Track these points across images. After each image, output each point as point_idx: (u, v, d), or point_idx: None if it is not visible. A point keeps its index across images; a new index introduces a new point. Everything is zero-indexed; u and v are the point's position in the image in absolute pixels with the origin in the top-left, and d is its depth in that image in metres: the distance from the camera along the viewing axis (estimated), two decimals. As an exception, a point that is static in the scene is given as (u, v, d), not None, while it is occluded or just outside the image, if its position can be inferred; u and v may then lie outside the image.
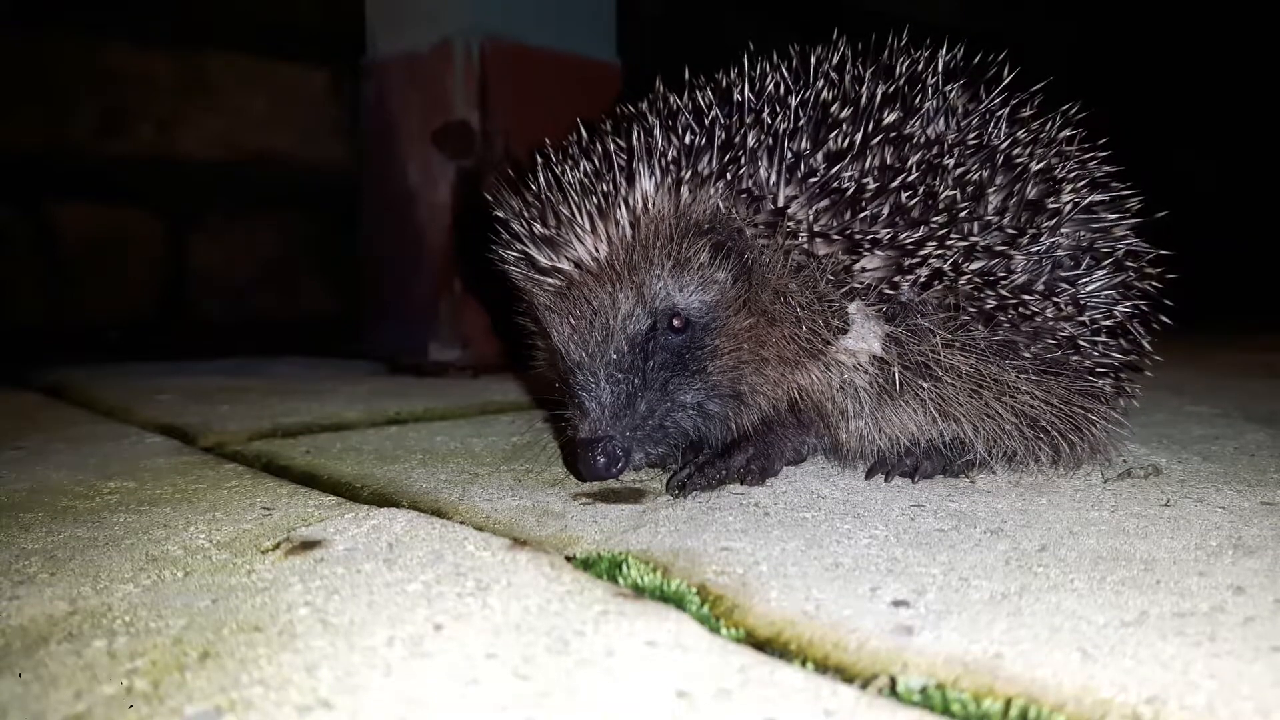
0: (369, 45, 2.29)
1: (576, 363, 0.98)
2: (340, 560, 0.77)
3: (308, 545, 0.80)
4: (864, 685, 0.58)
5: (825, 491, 1.02)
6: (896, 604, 0.69)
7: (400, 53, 2.18)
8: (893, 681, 0.58)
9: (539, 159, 1.04)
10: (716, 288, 0.97)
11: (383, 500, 1.00)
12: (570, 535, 0.86)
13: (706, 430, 1.04)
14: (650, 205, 0.96)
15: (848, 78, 1.02)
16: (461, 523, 0.89)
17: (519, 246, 1.01)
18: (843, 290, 0.96)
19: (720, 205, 0.95)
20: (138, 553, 0.81)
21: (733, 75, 1.07)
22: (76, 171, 2.26)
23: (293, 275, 2.58)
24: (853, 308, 0.97)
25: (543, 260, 0.99)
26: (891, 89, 1.01)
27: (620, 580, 0.74)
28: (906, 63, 1.06)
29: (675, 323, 0.97)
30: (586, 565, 0.78)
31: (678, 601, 0.70)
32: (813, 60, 1.06)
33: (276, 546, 0.81)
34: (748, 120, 0.98)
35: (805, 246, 0.95)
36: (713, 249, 0.96)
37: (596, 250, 0.97)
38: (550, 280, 1.00)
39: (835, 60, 1.06)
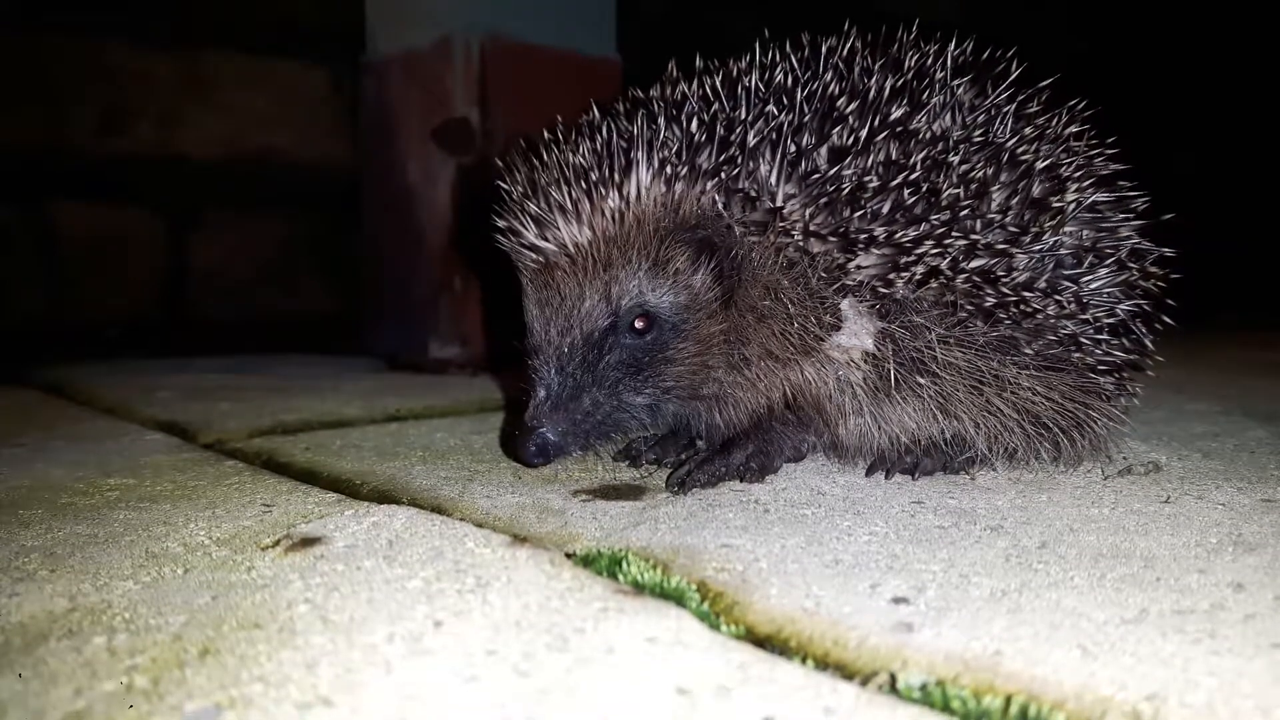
0: (369, 43, 2.28)
1: (536, 345, 0.99)
2: (340, 557, 0.77)
3: (308, 542, 0.80)
4: (864, 682, 0.58)
5: (825, 488, 1.02)
6: (896, 601, 0.69)
7: (400, 51, 2.18)
8: (893, 678, 0.58)
9: (547, 138, 1.04)
10: (694, 289, 0.98)
11: (383, 497, 0.99)
12: (570, 532, 0.86)
13: (695, 422, 1.04)
14: (641, 197, 0.96)
15: (856, 70, 1.02)
16: (461, 520, 0.89)
17: (510, 219, 1.02)
18: (835, 287, 0.96)
19: (714, 201, 0.95)
20: (137, 550, 0.81)
21: (743, 63, 1.06)
22: (77, 170, 2.26)
23: (293, 273, 2.58)
24: (845, 304, 0.97)
25: (528, 236, 1.00)
26: (899, 83, 1.00)
27: (620, 577, 0.74)
28: (915, 57, 1.05)
29: (638, 324, 0.98)
30: (586, 562, 0.78)
31: (678, 598, 0.70)
32: (824, 50, 1.05)
33: (276, 543, 0.81)
34: (750, 115, 0.97)
35: (799, 244, 0.95)
36: (699, 246, 0.97)
37: (579, 236, 0.97)
38: (531, 257, 1.00)
39: (844, 51, 1.05)
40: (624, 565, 0.76)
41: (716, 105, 0.99)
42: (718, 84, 1.03)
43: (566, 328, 0.97)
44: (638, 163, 0.96)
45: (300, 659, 0.58)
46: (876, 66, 1.02)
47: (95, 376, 1.88)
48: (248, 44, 2.44)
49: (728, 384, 1.02)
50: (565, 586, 0.70)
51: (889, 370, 0.97)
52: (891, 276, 0.95)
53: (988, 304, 0.96)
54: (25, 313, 2.23)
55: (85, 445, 1.26)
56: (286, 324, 2.55)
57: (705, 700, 0.54)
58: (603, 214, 0.96)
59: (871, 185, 0.94)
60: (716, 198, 0.95)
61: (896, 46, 1.07)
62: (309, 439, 1.32)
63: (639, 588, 0.72)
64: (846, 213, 0.94)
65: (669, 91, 1.06)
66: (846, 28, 1.08)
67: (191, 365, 2.08)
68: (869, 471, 1.07)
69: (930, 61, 1.04)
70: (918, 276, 0.95)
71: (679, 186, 0.95)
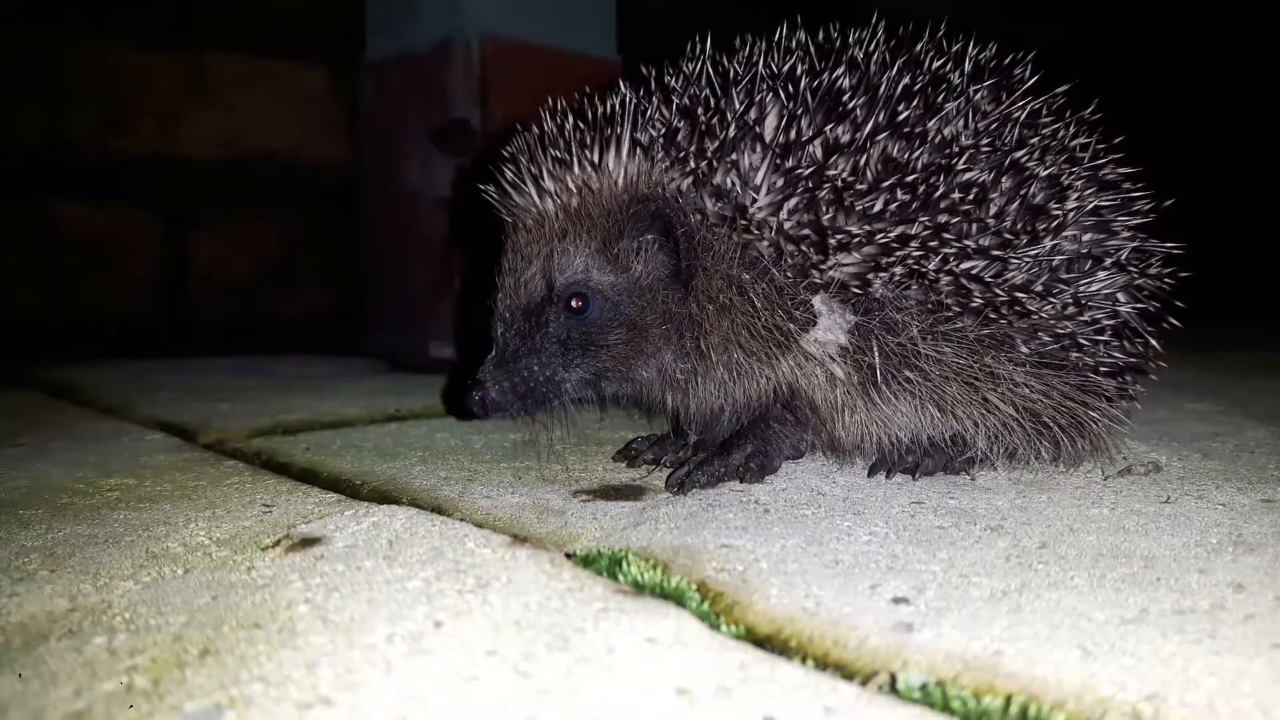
0: (369, 44, 2.29)
1: (496, 304, 1.03)
2: (340, 557, 0.77)
3: (308, 542, 0.80)
4: (864, 682, 0.58)
5: (825, 489, 1.02)
6: (897, 601, 0.69)
7: (400, 51, 2.18)
8: (893, 678, 0.58)
9: (543, 113, 1.05)
10: (642, 273, 0.99)
11: (383, 497, 0.99)
12: (570, 532, 0.86)
13: (669, 405, 1.07)
14: (607, 175, 0.97)
15: (873, 65, 1.00)
16: (461, 520, 0.89)
17: (500, 182, 1.05)
18: (804, 284, 0.95)
19: (680, 188, 0.96)
20: (138, 550, 0.81)
21: (758, 50, 1.05)
22: (77, 169, 2.26)
23: (292, 273, 2.58)
24: (817, 300, 0.97)
25: (512, 198, 1.03)
26: (915, 84, 0.98)
27: (620, 577, 0.74)
28: (935, 58, 1.02)
29: (574, 303, 0.99)
30: (587, 562, 0.78)
31: (678, 598, 0.70)
32: (839, 43, 1.04)
33: (276, 543, 0.81)
34: (740, 104, 0.96)
35: (767, 240, 0.94)
36: (655, 230, 0.97)
37: (541, 204, 1.00)
38: (505, 219, 1.04)
39: (869, 46, 1.03)
40: (624, 565, 0.76)
41: (707, 92, 0.98)
42: (717, 71, 1.01)
43: (515, 292, 1.01)
44: (611, 141, 0.97)
45: (300, 659, 0.58)
46: (896, 64, 1.00)
47: (95, 376, 1.88)
48: (248, 44, 2.45)
49: (680, 371, 1.02)
50: (565, 586, 0.70)
51: (869, 365, 0.97)
52: (870, 276, 0.94)
53: (975, 304, 0.95)
54: (25, 312, 2.23)
55: (85, 445, 1.26)
56: (286, 324, 2.55)
57: (705, 700, 0.54)
58: (567, 186, 0.99)
59: (863, 183, 0.93)
60: (684, 186, 0.96)
61: (919, 46, 1.05)
62: (309, 439, 1.32)
63: (639, 588, 0.72)
64: (829, 211, 0.93)
65: (666, 78, 1.05)
66: (871, 24, 1.06)
67: (191, 365, 2.08)
68: (870, 472, 1.07)
69: (950, 65, 1.02)
70: (897, 277, 0.94)
71: (648, 169, 0.96)
